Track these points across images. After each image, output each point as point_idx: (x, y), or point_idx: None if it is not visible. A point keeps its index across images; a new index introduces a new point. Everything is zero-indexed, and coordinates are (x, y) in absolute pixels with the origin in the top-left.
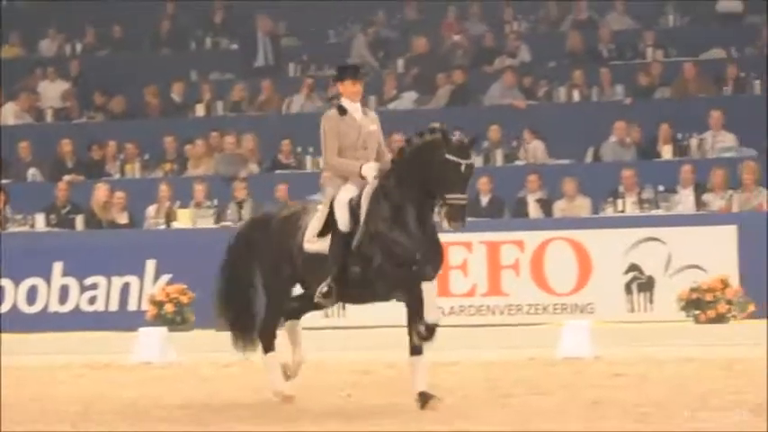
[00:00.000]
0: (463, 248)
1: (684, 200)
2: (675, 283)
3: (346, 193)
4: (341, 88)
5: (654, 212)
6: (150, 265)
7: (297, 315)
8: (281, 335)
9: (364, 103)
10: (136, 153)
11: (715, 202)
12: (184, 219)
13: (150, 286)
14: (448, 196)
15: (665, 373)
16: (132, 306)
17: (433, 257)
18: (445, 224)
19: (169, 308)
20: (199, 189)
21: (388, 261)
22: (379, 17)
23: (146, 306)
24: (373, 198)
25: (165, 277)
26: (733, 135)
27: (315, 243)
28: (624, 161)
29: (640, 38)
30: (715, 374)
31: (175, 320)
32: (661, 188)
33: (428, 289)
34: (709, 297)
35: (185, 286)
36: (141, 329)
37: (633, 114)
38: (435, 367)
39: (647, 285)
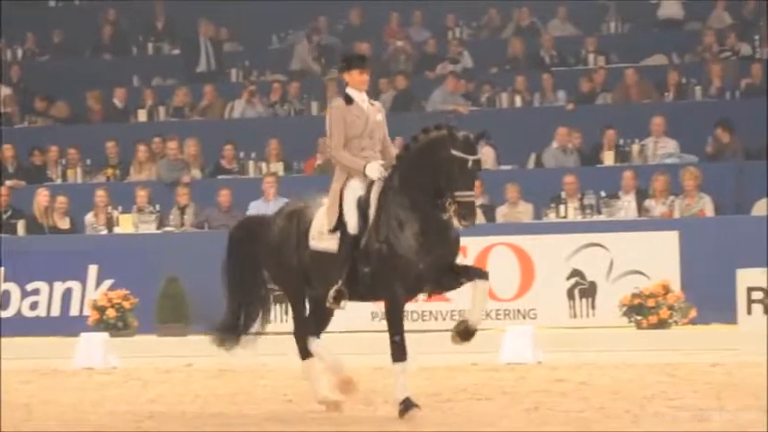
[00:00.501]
0: None
1: (626, 206)
2: (617, 288)
3: (354, 191)
4: (347, 78)
5: (596, 218)
6: (92, 270)
7: (317, 334)
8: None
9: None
10: (78, 158)
11: (657, 207)
12: (126, 224)
13: (92, 291)
14: (457, 194)
15: (607, 379)
16: (74, 311)
17: (444, 254)
18: (455, 222)
19: (111, 313)
20: (141, 194)
21: (391, 271)
22: (322, 23)
23: (88, 311)
24: (382, 195)
25: (107, 282)
26: (675, 141)
27: (322, 241)
28: (566, 167)
29: (582, 44)
30: (656, 380)
31: (117, 326)
32: (603, 194)
33: (481, 289)
34: (650, 303)
35: (127, 291)
36: (83, 335)
37: (575, 120)
38: (377, 372)
39: (589, 291)
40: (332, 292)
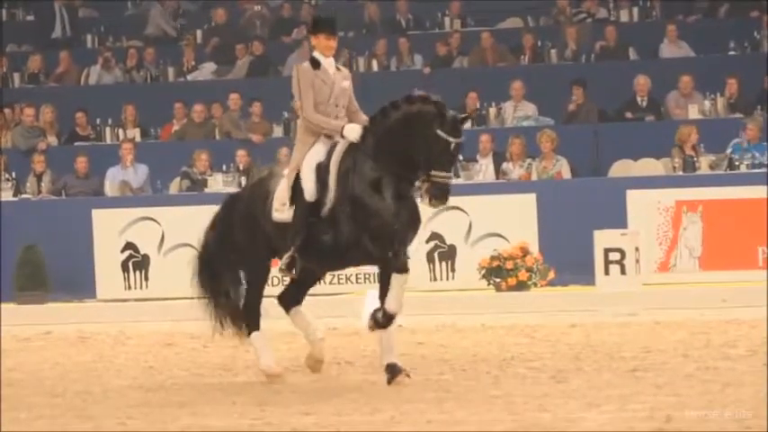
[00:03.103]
0: None
1: (484, 169)
2: (476, 251)
3: (313, 157)
4: (314, 41)
5: (454, 181)
6: None
7: (297, 302)
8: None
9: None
10: None
11: (514, 171)
12: None
13: None
14: (434, 173)
15: (467, 342)
16: None
17: (410, 230)
18: (425, 200)
19: None
20: None
21: (363, 231)
22: None
23: None
24: (344, 160)
25: None
26: (534, 105)
27: (283, 212)
28: None
29: (438, 8)
30: (516, 342)
31: None
32: (460, 157)
33: (398, 279)
34: (509, 265)
35: None
36: None
37: (432, 84)
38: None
39: (448, 254)
40: (284, 259)
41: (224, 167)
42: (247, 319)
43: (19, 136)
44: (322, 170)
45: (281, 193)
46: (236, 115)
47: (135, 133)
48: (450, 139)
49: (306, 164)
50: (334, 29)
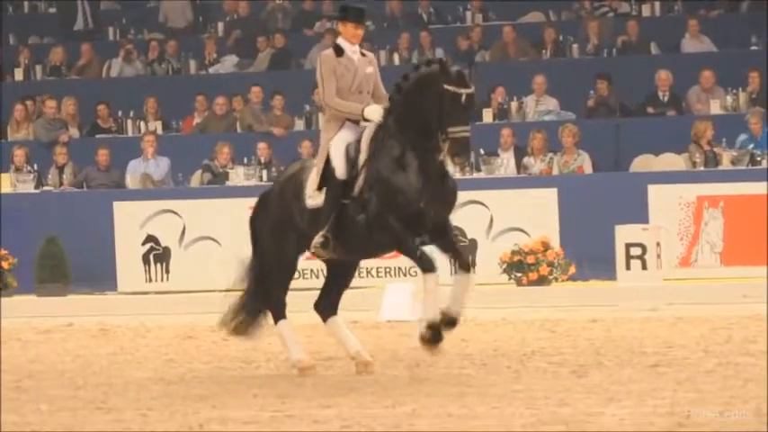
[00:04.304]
0: None
1: (505, 163)
2: (497, 245)
3: (342, 139)
4: (341, 28)
5: (475, 176)
6: None
7: (333, 311)
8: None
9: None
10: None
11: (535, 165)
12: (4, 184)
13: None
14: (450, 130)
15: (487, 336)
16: None
17: (441, 202)
18: (449, 160)
19: None
20: (18, 154)
21: (389, 211)
22: None
23: None
24: (373, 141)
25: None
26: (555, 100)
27: (316, 197)
28: None
29: (460, 2)
30: (536, 336)
31: None
32: (482, 152)
33: (461, 279)
34: (530, 260)
35: (6, 251)
36: None
37: None
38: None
39: (469, 249)
40: (317, 238)
41: (245, 160)
42: (273, 309)
43: (41, 128)
44: (351, 150)
45: (313, 179)
46: (258, 108)
47: (156, 126)
48: (460, 90)
49: (334, 146)
50: (362, 18)
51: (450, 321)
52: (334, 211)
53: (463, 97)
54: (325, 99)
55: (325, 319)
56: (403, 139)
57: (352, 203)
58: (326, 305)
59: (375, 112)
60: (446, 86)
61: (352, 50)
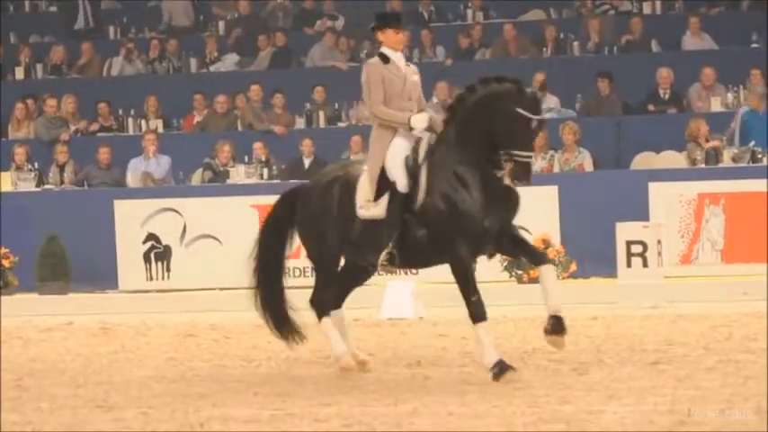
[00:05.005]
0: None
1: None
2: None
3: (400, 149)
4: (381, 37)
5: None
6: None
7: (337, 304)
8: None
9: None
10: None
11: (536, 162)
12: (5, 182)
13: None
14: (516, 153)
15: None
16: None
17: (505, 217)
18: (508, 181)
19: None
20: (19, 152)
21: (455, 231)
22: None
23: None
24: (431, 152)
25: None
26: (556, 98)
27: (371, 208)
28: None
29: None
30: (538, 334)
31: None
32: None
33: (547, 273)
34: None
35: (7, 250)
36: None
37: (454, 76)
38: (256, 330)
39: None
40: (383, 256)
41: (246, 159)
42: (315, 307)
43: (42, 127)
44: (410, 163)
45: (365, 189)
46: (258, 107)
47: (157, 124)
48: (532, 117)
49: (391, 157)
50: (401, 22)
51: (556, 321)
52: (398, 227)
53: (534, 123)
54: (372, 108)
55: (327, 313)
56: (464, 153)
57: (412, 217)
58: (330, 299)
59: (421, 121)
60: (519, 110)
61: (397, 57)
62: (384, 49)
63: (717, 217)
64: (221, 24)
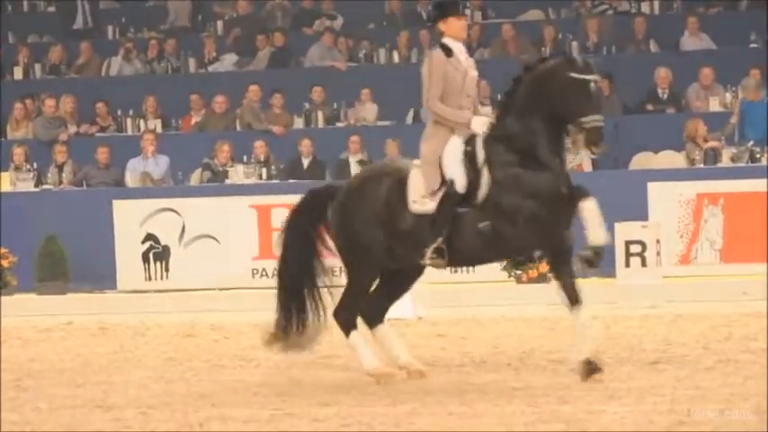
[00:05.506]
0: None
1: None
2: None
3: (457, 147)
4: (443, 27)
5: None
6: None
7: (381, 318)
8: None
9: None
10: None
11: None
12: (4, 182)
13: None
14: (583, 120)
15: (487, 334)
16: None
17: (566, 213)
18: (584, 153)
19: None
20: (18, 152)
21: (516, 217)
22: None
23: None
24: (492, 142)
25: None
26: None
27: (425, 204)
28: None
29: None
30: (537, 334)
31: None
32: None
33: (588, 207)
34: None
35: (6, 250)
36: None
37: None
38: (255, 330)
39: None
40: (432, 249)
41: (245, 159)
42: (341, 321)
43: (40, 127)
44: (469, 158)
45: (419, 185)
46: (257, 106)
47: (156, 124)
48: (587, 77)
49: (449, 155)
50: (461, 8)
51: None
52: (450, 222)
53: (592, 84)
54: (428, 103)
55: (371, 327)
56: (531, 134)
57: (471, 211)
58: (373, 311)
59: (482, 125)
60: (573, 74)
61: (459, 50)
62: (446, 40)
63: (715, 217)
64: (220, 24)
